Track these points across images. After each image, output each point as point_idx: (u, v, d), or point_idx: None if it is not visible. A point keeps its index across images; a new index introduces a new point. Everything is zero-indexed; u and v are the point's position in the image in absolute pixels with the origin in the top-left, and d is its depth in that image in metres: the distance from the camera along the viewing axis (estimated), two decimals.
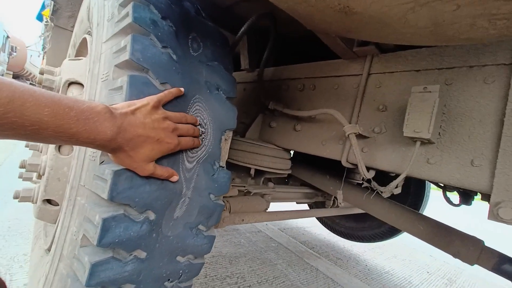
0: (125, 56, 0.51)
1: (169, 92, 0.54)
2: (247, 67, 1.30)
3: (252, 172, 1.16)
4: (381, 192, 0.80)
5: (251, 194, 1.20)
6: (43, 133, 0.34)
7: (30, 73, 13.12)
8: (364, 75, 0.82)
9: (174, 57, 0.58)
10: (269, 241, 2.26)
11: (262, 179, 1.25)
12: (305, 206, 2.41)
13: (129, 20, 0.53)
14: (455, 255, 0.91)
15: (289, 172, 1.25)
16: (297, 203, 1.82)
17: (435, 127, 0.62)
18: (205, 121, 0.63)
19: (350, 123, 0.83)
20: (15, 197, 0.74)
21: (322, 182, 1.32)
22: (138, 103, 0.48)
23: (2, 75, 10.02)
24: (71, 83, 0.74)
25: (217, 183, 0.65)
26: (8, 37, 9.59)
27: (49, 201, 0.71)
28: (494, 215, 0.54)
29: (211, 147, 0.64)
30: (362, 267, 2.17)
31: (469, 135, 0.61)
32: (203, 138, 0.62)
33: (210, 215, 0.66)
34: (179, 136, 0.53)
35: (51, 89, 0.75)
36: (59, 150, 0.71)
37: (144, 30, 0.54)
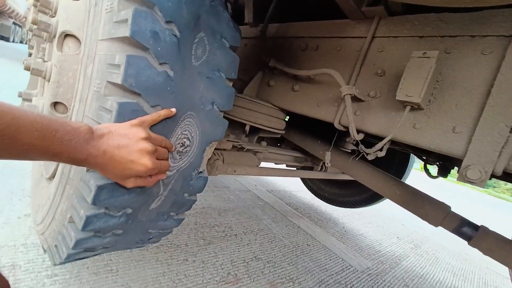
0: (118, 79, 0.50)
1: (157, 114, 0.54)
2: (251, 21, 1.24)
3: (247, 128, 1.19)
4: (367, 154, 0.86)
5: (244, 150, 1.24)
6: (31, 153, 0.38)
7: (13, 11, 12.00)
8: (368, 38, 0.82)
9: (172, 73, 0.55)
10: (257, 199, 2.40)
11: (256, 137, 1.29)
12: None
13: (127, 32, 0.49)
14: (423, 217, 1.01)
15: (283, 132, 1.29)
16: (286, 166, 1.90)
17: (427, 93, 0.65)
18: (192, 135, 0.64)
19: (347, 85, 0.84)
20: (26, 69, 0.76)
21: (313, 146, 1.38)
22: (119, 125, 0.49)
23: None
24: (67, 35, 0.70)
25: (192, 186, 0.69)
26: None
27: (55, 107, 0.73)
28: (462, 177, 0.60)
29: (193, 157, 0.67)
30: (339, 228, 2.36)
31: (456, 103, 0.64)
32: (187, 150, 0.64)
33: (181, 206, 0.72)
34: (158, 159, 0.54)
35: (47, 32, 0.72)
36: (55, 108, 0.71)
37: (142, 46, 0.50)
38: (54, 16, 0.81)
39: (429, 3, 0.52)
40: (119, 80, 0.49)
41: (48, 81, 0.76)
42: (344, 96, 0.78)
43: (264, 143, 1.36)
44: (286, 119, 1.28)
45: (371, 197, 2.16)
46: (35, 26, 0.84)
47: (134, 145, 0.48)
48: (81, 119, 0.61)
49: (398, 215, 3.48)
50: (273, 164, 1.58)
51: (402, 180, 2.05)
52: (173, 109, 0.57)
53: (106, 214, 0.56)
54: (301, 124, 1.59)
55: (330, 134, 1.33)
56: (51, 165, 0.77)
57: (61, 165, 0.68)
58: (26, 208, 1.23)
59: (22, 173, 1.54)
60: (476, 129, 0.60)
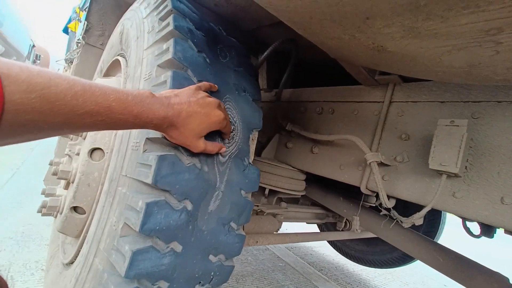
0: (168, 55, 0.58)
1: (207, 83, 0.60)
2: (265, 87, 1.32)
3: (266, 192, 1.16)
4: (401, 222, 0.78)
5: (264, 214, 1.18)
6: (113, 116, 0.38)
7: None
8: (385, 102, 0.83)
9: (208, 60, 0.65)
10: (277, 260, 2.21)
11: (275, 198, 1.24)
12: (314, 226, 2.36)
13: (170, 27, 0.61)
14: None
15: (303, 193, 1.24)
16: (307, 223, 1.79)
17: (463, 161, 0.61)
18: (235, 119, 0.67)
19: (370, 150, 0.82)
20: (41, 208, 0.77)
21: (335, 204, 1.30)
22: (180, 89, 0.53)
23: None
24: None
25: (247, 178, 0.68)
26: (33, 46, 10.12)
27: (75, 210, 0.72)
28: None
29: (241, 143, 0.68)
30: None
31: (498, 171, 0.59)
32: (234, 134, 0.66)
33: (241, 212, 0.67)
34: None
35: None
36: (91, 156, 0.73)
37: (183, 36, 0.62)
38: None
39: (450, 81, 0.53)
40: (169, 55, 0.58)
41: (84, 138, 0.80)
42: (370, 163, 0.75)
43: (283, 204, 1.30)
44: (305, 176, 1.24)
45: (404, 256, 1.93)
46: None
47: (202, 100, 0.51)
48: None
49: (438, 274, 3.06)
50: (294, 222, 1.48)
51: (437, 235, 1.86)
52: (215, 85, 0.62)
53: (167, 204, 0.51)
54: (319, 179, 1.54)
55: (351, 188, 1.26)
56: (71, 251, 0.74)
57: (108, 174, 0.67)
58: (37, 285, 1.17)
59: (39, 241, 1.51)
60: None
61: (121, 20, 0.96)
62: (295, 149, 1.11)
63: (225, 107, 0.65)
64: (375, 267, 2.11)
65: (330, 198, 1.32)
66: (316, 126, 1.05)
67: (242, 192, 0.67)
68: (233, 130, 0.65)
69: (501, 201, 0.58)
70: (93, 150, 0.74)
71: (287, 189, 1.09)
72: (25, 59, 9.03)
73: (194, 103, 0.50)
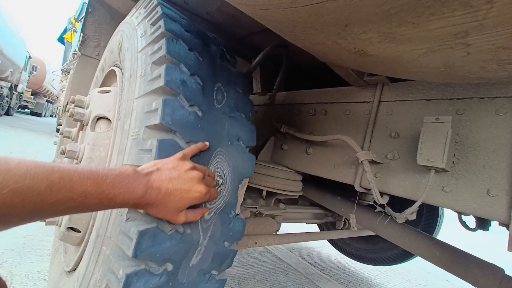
0: (156, 119, 0.55)
1: (195, 146, 0.58)
2: (259, 91, 1.34)
3: (264, 193, 1.17)
4: (395, 218, 0.80)
5: (263, 215, 1.20)
6: (88, 201, 0.38)
7: (48, 90, 13.72)
8: (375, 102, 0.85)
9: (200, 113, 0.62)
10: (278, 261, 2.22)
11: (273, 200, 1.26)
12: (314, 226, 2.37)
13: (161, 83, 0.57)
14: (474, 283, 0.89)
15: (301, 193, 1.25)
16: (307, 223, 1.80)
17: (449, 156, 0.63)
18: (224, 172, 0.65)
19: (362, 149, 0.84)
20: (62, 153, 0.78)
21: (333, 203, 1.32)
22: (164, 160, 0.52)
23: (22, 92, 10.50)
24: (99, 118, 0.79)
25: (232, 231, 0.67)
26: (30, 57, 10.16)
27: (72, 228, 0.74)
28: None
29: (228, 196, 0.66)
30: None
31: (484, 164, 0.62)
32: (222, 189, 0.64)
33: (223, 260, 0.67)
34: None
35: (81, 121, 0.80)
36: None
37: (174, 91, 0.59)
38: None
39: (430, 80, 0.55)
40: (157, 120, 0.55)
41: (80, 161, 0.81)
42: (362, 161, 0.77)
43: (282, 205, 1.32)
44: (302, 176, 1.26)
45: (405, 253, 1.95)
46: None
47: (184, 175, 0.50)
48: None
49: (440, 270, 3.07)
50: (293, 223, 1.50)
51: (435, 230, 1.87)
52: (207, 142, 0.60)
53: (147, 272, 0.52)
54: (317, 180, 1.56)
55: (348, 187, 1.28)
56: (72, 258, 0.75)
57: (95, 229, 0.67)
58: None
59: (40, 252, 1.52)
60: None
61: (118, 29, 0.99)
62: (291, 150, 1.13)
63: (216, 161, 0.64)
64: (376, 265, 2.12)
65: (328, 197, 1.34)
66: (310, 127, 1.07)
67: (226, 243, 0.66)
68: (221, 184, 0.64)
69: (487, 193, 0.60)
70: None
71: (284, 190, 1.11)
72: (21, 71, 9.05)
73: (175, 179, 0.49)
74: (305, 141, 1.06)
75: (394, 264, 2.02)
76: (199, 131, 0.61)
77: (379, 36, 0.40)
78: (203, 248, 0.61)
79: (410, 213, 0.73)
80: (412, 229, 1.08)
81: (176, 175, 0.49)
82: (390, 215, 0.81)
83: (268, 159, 1.21)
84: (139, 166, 0.55)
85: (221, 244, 0.65)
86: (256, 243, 1.02)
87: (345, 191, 1.33)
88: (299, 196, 1.62)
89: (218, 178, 0.64)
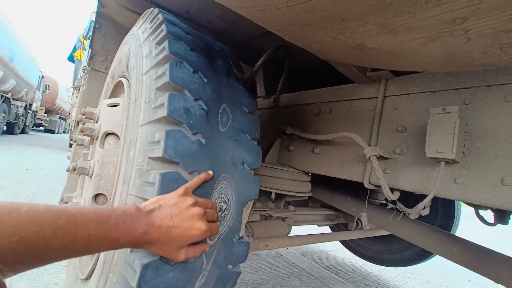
0: (159, 152, 0.55)
1: (198, 178, 0.57)
2: (263, 94, 1.36)
3: (273, 196, 1.17)
4: (408, 213, 0.78)
5: (273, 218, 1.19)
6: (91, 245, 0.39)
7: (60, 108, 14.22)
8: (380, 97, 0.85)
9: (204, 141, 0.61)
10: (291, 266, 2.18)
11: (283, 202, 1.26)
12: (327, 229, 2.33)
13: (164, 112, 0.57)
14: (496, 280, 0.85)
15: (310, 194, 1.25)
16: (318, 225, 1.77)
17: (459, 146, 0.62)
18: (228, 197, 0.65)
19: (369, 145, 0.84)
20: (73, 170, 0.80)
21: (344, 203, 1.30)
22: (166, 196, 0.52)
23: (36, 111, 10.92)
24: (108, 134, 0.81)
25: (235, 255, 0.66)
26: (43, 77, 10.60)
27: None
28: None
29: (232, 221, 0.66)
30: None
31: (496, 153, 0.60)
32: (226, 214, 0.64)
33: (227, 282, 0.66)
34: (208, 221, 0.55)
35: (91, 136, 0.83)
36: (95, 200, 0.77)
37: (177, 121, 0.58)
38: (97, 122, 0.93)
39: (433, 70, 0.55)
40: (160, 153, 0.54)
41: (91, 177, 0.83)
42: (369, 157, 0.77)
43: (291, 207, 1.31)
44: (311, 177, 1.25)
45: (423, 252, 1.88)
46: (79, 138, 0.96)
47: (185, 212, 0.50)
48: (125, 199, 0.64)
49: (460, 268, 2.95)
50: (304, 226, 1.48)
51: (453, 228, 1.81)
52: (210, 172, 0.60)
53: None
54: (326, 180, 1.54)
55: (358, 186, 1.26)
56: (86, 265, 0.77)
57: (102, 254, 0.68)
58: None
59: (57, 264, 1.55)
60: None
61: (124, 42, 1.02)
62: (297, 151, 1.13)
63: (220, 187, 0.63)
64: (393, 266, 2.06)
65: (338, 197, 1.33)
66: (316, 127, 1.07)
67: (229, 266, 0.66)
68: (225, 209, 0.64)
69: (501, 183, 0.58)
70: (97, 195, 0.77)
71: (293, 192, 1.10)
72: (35, 90, 9.42)
73: (176, 217, 0.48)
74: (311, 141, 1.06)
75: (412, 265, 1.96)
76: (203, 160, 0.60)
77: (376, 28, 0.40)
78: (207, 272, 0.61)
79: (422, 208, 0.71)
80: (427, 225, 1.05)
81: (177, 212, 0.49)
82: (403, 211, 0.80)
83: (275, 161, 1.21)
84: (142, 198, 0.56)
85: (225, 268, 0.65)
86: (267, 245, 1.02)
87: (355, 190, 1.31)
88: (309, 197, 1.61)
89: (222, 204, 0.63)
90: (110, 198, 0.76)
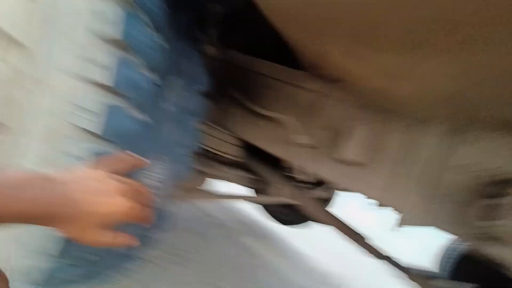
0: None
1: (129, 160, 0.49)
2: (214, 44, 1.25)
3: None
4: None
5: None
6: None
7: None
8: (322, 93, 0.91)
9: (147, 121, 0.57)
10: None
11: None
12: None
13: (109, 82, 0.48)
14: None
15: (235, 157, 1.31)
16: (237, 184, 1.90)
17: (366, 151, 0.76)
18: (163, 179, 0.64)
19: (302, 133, 0.92)
20: None
21: (270, 176, 1.43)
22: (82, 168, 0.42)
23: None
24: None
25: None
26: None
27: None
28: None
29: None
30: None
31: None
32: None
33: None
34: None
35: None
36: None
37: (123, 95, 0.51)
38: None
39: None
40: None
41: None
42: (298, 143, 0.85)
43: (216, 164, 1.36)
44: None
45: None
46: None
47: (104, 183, 0.41)
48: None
49: None
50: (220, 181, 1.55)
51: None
52: (146, 160, 0.51)
53: None
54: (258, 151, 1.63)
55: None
56: None
57: None
58: None
59: None
60: None
61: None
62: (235, 115, 1.14)
63: (157, 167, 0.59)
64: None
65: (266, 170, 1.45)
66: (260, 98, 1.08)
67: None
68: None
69: None
70: None
71: (218, 150, 1.15)
72: None
73: (87, 189, 0.39)
74: (252, 111, 1.07)
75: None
76: (142, 142, 0.56)
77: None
78: None
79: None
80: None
81: (95, 184, 0.41)
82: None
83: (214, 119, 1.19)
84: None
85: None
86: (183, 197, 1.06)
87: (279, 163, 1.45)
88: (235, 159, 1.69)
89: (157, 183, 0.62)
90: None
